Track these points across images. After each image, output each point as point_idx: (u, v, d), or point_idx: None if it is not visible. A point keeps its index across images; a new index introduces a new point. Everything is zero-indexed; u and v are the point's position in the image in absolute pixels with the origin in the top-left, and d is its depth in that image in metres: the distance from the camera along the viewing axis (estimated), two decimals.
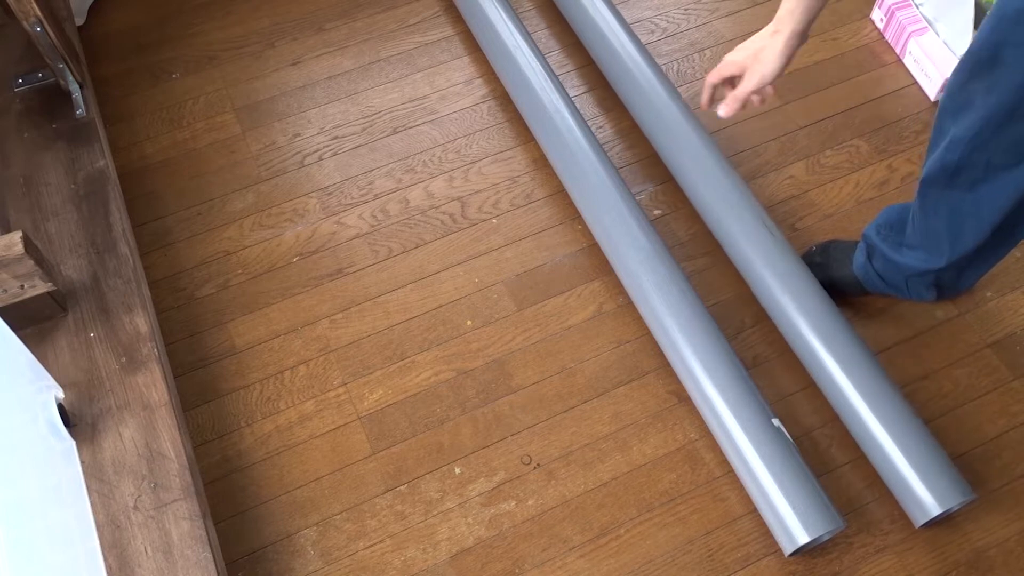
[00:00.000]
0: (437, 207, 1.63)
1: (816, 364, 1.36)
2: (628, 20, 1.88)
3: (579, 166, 1.55)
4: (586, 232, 1.58)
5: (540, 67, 1.65)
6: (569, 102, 1.61)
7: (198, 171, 1.68)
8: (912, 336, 1.48)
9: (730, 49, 1.58)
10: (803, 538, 1.21)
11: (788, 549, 1.24)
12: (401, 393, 1.43)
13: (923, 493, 1.25)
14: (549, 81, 1.63)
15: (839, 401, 1.34)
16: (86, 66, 1.72)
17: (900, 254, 1.35)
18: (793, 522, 1.22)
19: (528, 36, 1.71)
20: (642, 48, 1.67)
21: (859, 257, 1.43)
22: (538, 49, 1.70)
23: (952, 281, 1.39)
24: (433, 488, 1.35)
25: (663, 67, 1.81)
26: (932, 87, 1.73)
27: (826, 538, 1.27)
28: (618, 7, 1.90)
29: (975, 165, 1.13)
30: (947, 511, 1.25)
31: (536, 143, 1.68)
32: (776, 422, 1.29)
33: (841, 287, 1.46)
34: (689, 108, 1.60)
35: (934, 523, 1.29)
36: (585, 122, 1.60)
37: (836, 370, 1.33)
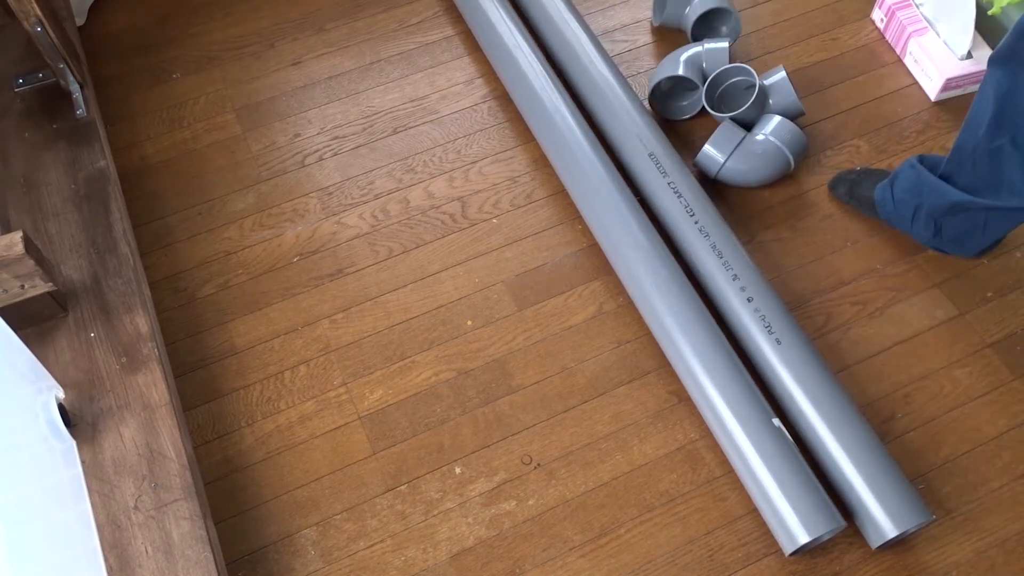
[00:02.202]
0: (437, 207, 1.63)
1: (783, 391, 1.36)
2: (628, 20, 1.89)
3: (579, 166, 1.54)
4: (586, 232, 1.58)
5: (540, 67, 1.65)
6: (569, 102, 1.61)
7: (198, 171, 1.68)
8: (912, 336, 1.48)
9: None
10: (803, 538, 1.21)
11: (788, 549, 1.24)
12: (401, 393, 1.43)
13: (880, 516, 1.24)
14: (549, 81, 1.63)
15: (805, 428, 1.33)
16: (86, 66, 1.72)
17: (926, 177, 1.43)
18: (793, 522, 1.22)
19: (528, 36, 1.71)
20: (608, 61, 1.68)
21: (885, 181, 1.54)
22: (539, 49, 1.70)
23: (952, 231, 1.45)
24: (433, 488, 1.35)
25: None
26: (932, 87, 1.73)
27: (827, 538, 1.27)
28: (619, 7, 1.91)
29: None
30: (904, 533, 1.24)
31: (536, 143, 1.68)
32: (776, 422, 1.29)
33: (857, 203, 1.59)
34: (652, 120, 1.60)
35: (915, 533, 1.30)
36: (585, 122, 1.60)
37: (801, 399, 1.32)
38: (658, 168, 1.52)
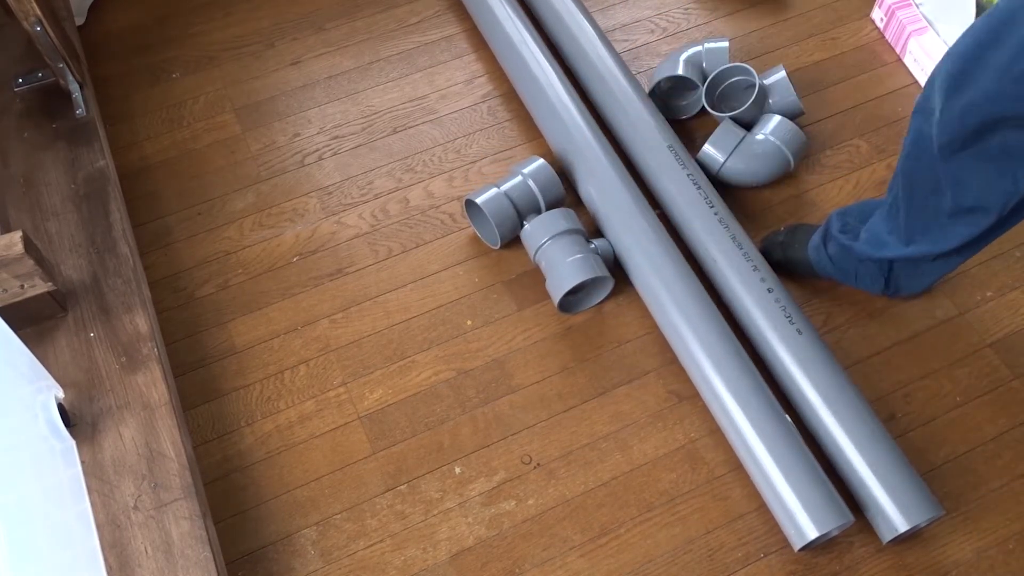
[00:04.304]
0: (437, 207, 1.63)
1: (790, 382, 1.36)
2: (628, 20, 1.89)
3: (587, 163, 1.55)
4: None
5: (547, 64, 1.65)
6: (576, 99, 1.61)
7: (198, 171, 1.68)
8: (912, 336, 1.48)
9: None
10: (813, 532, 1.21)
11: (798, 544, 1.24)
12: (401, 393, 1.43)
13: (891, 510, 1.24)
14: (556, 78, 1.63)
15: (812, 420, 1.33)
16: (86, 66, 1.72)
17: (855, 241, 1.36)
18: (804, 518, 1.22)
19: (534, 32, 1.70)
20: (618, 60, 1.67)
21: (815, 239, 1.45)
22: (545, 46, 1.69)
23: (904, 276, 1.38)
24: (433, 488, 1.35)
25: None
26: None
27: (835, 533, 1.27)
28: (619, 7, 1.91)
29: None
30: (914, 527, 1.24)
31: (536, 143, 1.68)
32: (786, 418, 1.29)
33: (795, 267, 1.49)
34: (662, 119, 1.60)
35: (920, 530, 1.30)
36: (591, 120, 1.59)
37: (808, 389, 1.32)
38: (677, 160, 1.52)
